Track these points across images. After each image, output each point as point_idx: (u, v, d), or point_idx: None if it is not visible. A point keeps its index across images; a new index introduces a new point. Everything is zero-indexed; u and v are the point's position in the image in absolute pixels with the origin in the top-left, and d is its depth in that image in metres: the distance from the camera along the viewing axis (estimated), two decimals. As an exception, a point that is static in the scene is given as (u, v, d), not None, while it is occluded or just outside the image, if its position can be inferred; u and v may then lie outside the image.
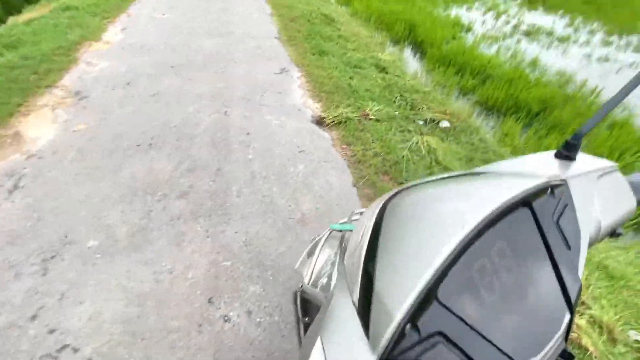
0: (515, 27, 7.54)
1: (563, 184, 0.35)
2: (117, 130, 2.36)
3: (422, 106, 3.25)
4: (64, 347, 1.23)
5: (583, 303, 1.58)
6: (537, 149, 3.15)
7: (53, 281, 1.44)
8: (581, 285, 0.33)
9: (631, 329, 1.57)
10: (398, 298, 0.28)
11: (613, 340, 1.48)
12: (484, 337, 0.29)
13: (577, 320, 1.47)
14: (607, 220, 0.38)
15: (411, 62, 5.25)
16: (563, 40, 7.15)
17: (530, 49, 6.19)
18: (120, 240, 1.63)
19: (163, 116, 2.56)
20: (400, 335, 0.28)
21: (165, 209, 1.81)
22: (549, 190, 0.34)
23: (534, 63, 5.28)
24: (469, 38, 6.28)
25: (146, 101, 2.74)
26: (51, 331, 1.27)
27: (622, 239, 2.40)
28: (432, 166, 2.39)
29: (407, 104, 3.25)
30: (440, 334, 0.28)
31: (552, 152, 0.41)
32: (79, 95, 2.74)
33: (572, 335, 1.43)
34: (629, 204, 0.41)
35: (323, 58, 3.83)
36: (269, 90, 3.08)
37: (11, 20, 4.28)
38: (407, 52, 5.69)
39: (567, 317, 0.32)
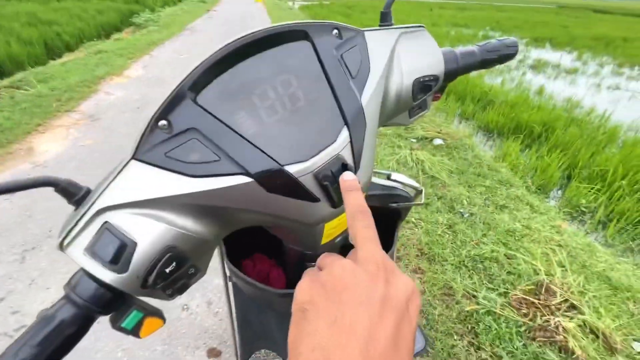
0: (521, 61, 7.67)
1: (357, 31, 0.38)
2: (119, 144, 2.54)
3: (416, 127, 3.29)
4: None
5: (574, 307, 1.43)
6: (537, 167, 3.05)
7: (27, 269, 1.49)
8: (360, 105, 0.34)
9: (635, 340, 1.39)
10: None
11: (611, 349, 1.30)
12: (243, 137, 0.31)
13: (565, 322, 1.32)
14: (409, 66, 0.40)
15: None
16: (571, 72, 7.17)
17: (536, 80, 6.21)
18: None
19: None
20: (151, 129, 0.31)
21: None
22: (336, 30, 0.37)
23: (540, 92, 5.26)
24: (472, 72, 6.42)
25: (151, 122, 2.95)
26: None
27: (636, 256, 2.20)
28: (418, 175, 2.37)
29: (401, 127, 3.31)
30: (194, 129, 0.30)
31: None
32: (92, 118, 3.00)
33: (559, 337, 1.28)
34: (436, 60, 0.42)
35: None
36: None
37: (51, 63, 4.87)
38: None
39: (345, 130, 0.33)
